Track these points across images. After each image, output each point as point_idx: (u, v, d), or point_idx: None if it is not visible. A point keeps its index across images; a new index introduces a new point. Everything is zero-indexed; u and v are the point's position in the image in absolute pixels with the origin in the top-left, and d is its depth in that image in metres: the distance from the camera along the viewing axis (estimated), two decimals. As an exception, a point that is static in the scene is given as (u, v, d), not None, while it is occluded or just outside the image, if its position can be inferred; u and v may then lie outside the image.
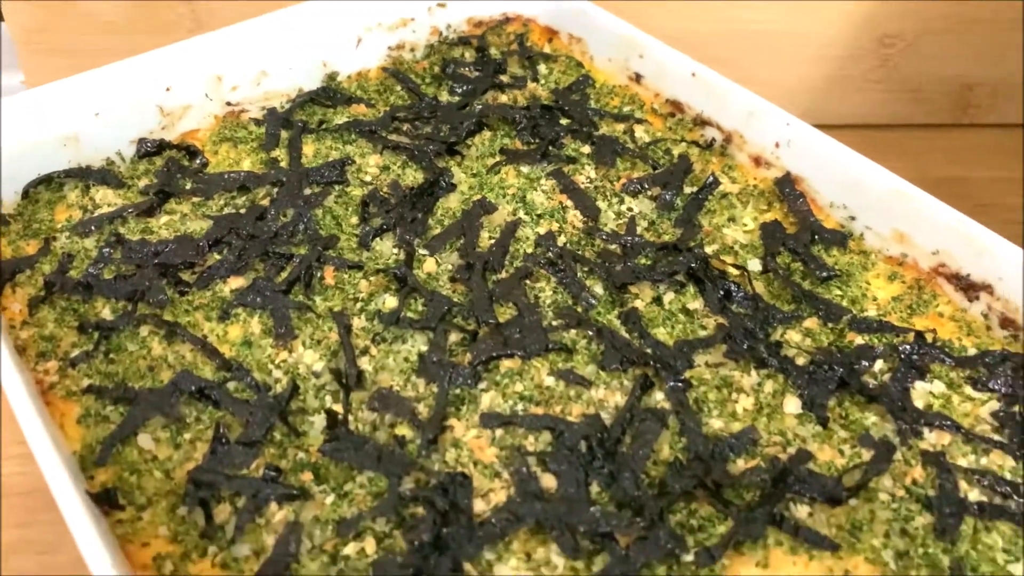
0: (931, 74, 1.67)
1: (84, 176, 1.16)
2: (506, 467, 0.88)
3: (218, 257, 1.07)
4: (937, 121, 1.74)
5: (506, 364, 0.97)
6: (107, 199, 1.14)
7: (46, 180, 1.15)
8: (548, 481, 0.87)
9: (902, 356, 0.99)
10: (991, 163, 1.69)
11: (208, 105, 1.26)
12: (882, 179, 1.09)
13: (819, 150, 1.15)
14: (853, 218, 1.14)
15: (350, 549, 0.82)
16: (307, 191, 1.15)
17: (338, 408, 0.92)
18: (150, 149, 1.20)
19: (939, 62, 1.65)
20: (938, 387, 0.97)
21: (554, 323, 1.01)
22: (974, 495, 0.87)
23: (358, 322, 1.01)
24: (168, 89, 1.23)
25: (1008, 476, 0.89)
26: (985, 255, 1.02)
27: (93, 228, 1.09)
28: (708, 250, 1.10)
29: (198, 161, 1.20)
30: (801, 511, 0.86)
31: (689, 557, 0.82)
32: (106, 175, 1.16)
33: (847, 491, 0.86)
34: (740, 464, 0.89)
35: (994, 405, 0.95)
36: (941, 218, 1.05)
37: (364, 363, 0.97)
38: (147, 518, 0.85)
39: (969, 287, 1.05)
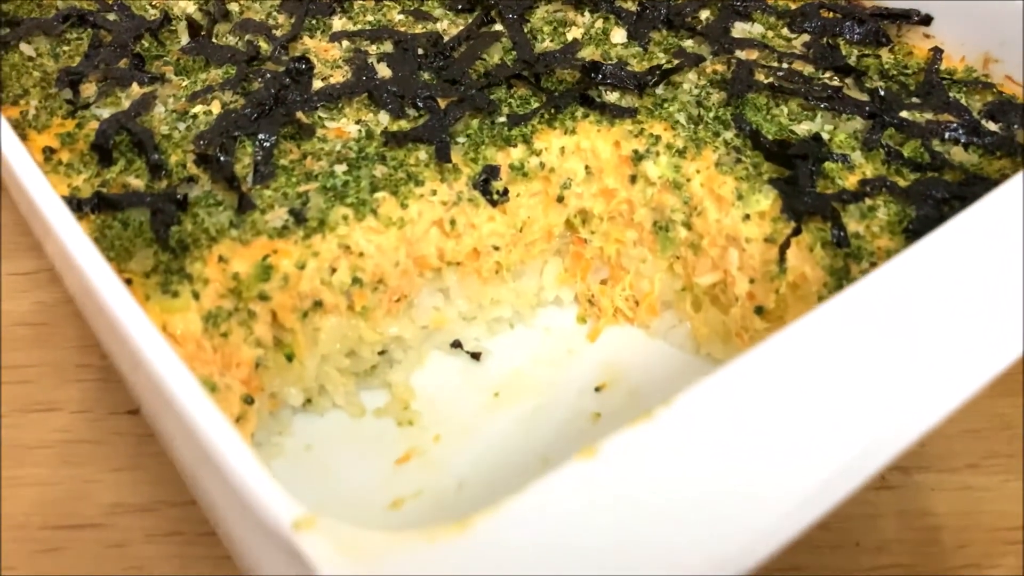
0: None
1: None
2: (348, 63, 0.98)
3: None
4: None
5: (360, 2, 1.07)
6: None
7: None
8: (384, 71, 0.96)
9: (727, 4, 1.08)
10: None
11: None
12: None
13: None
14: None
15: (197, 109, 0.91)
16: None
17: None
18: None
19: None
20: (757, 28, 1.06)
21: (410, -19, 1.12)
22: (767, 81, 0.96)
23: (232, -16, 1.11)
24: None
25: (806, 74, 0.98)
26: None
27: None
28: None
29: None
30: (611, 96, 0.95)
31: (501, 119, 0.92)
32: None
33: (652, 78, 0.95)
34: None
35: (806, 38, 1.05)
36: None
37: (232, 7, 1.07)
38: (23, 104, 0.94)
39: (796, -41, 1.14)
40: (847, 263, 0.80)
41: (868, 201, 0.83)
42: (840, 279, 0.79)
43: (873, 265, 0.78)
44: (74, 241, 0.69)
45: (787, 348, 0.57)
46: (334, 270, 0.83)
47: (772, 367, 0.56)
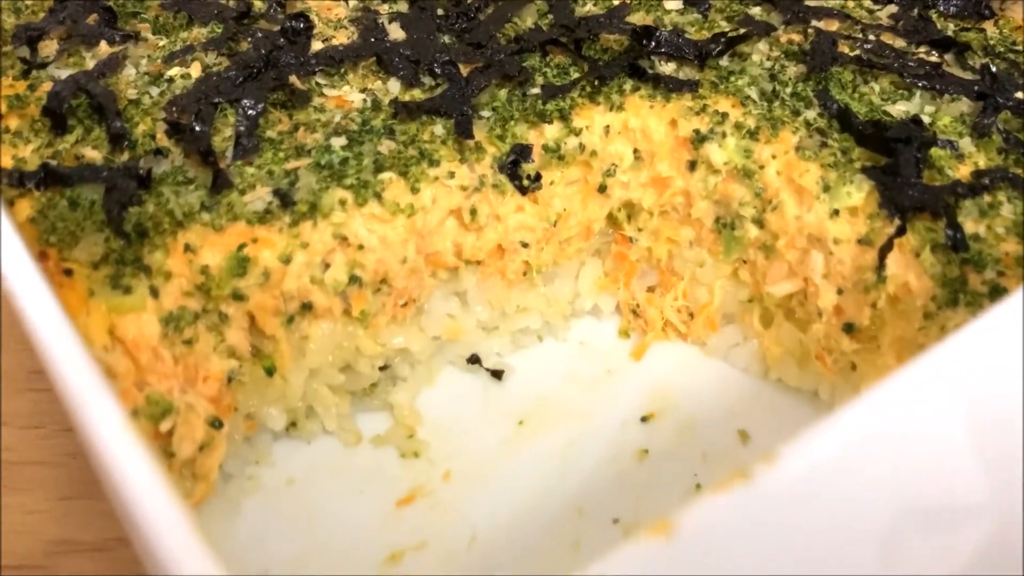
0: None
1: None
2: (354, 23, 0.83)
3: None
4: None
5: (372, -44, 0.93)
6: None
7: None
8: (396, 32, 0.82)
9: (799, -31, 0.93)
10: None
11: None
12: None
13: None
14: None
15: (174, 72, 0.77)
16: None
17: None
18: None
19: None
20: (835, -2, 0.91)
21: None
22: (853, 54, 0.81)
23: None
24: None
25: (897, 48, 0.82)
26: None
27: None
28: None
29: None
30: (666, 68, 0.80)
31: (535, 90, 0.77)
32: None
33: (716, 47, 0.80)
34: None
35: (892, 9, 0.89)
36: None
37: (227, -40, 0.93)
38: (-26, 63, 0.81)
39: (878, -79, 0.99)
40: (964, 271, 0.64)
41: (987, 196, 0.67)
42: (955, 291, 0.64)
43: (1000, 275, 0.63)
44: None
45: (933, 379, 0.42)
46: (327, 265, 0.69)
47: (916, 407, 0.40)
